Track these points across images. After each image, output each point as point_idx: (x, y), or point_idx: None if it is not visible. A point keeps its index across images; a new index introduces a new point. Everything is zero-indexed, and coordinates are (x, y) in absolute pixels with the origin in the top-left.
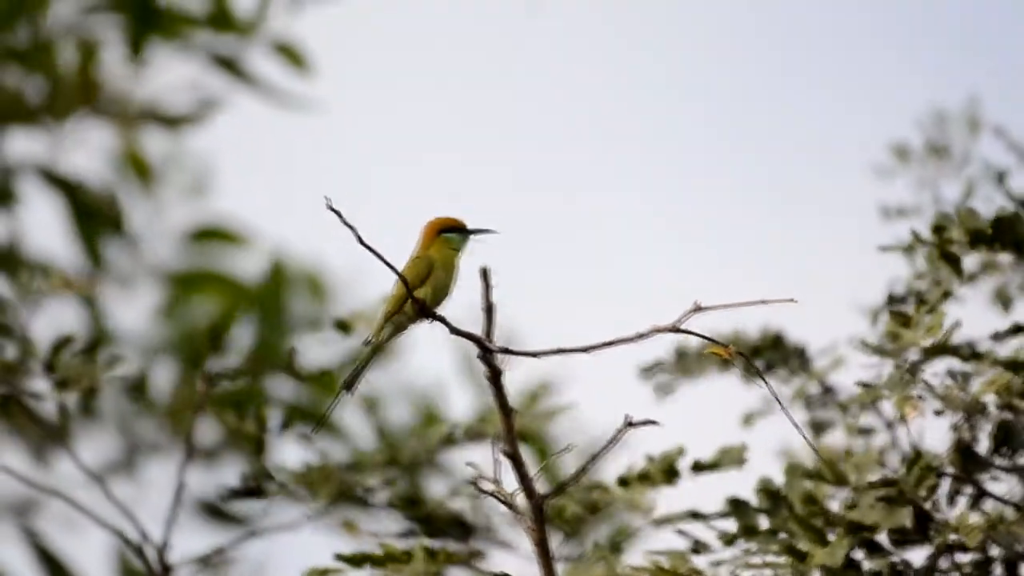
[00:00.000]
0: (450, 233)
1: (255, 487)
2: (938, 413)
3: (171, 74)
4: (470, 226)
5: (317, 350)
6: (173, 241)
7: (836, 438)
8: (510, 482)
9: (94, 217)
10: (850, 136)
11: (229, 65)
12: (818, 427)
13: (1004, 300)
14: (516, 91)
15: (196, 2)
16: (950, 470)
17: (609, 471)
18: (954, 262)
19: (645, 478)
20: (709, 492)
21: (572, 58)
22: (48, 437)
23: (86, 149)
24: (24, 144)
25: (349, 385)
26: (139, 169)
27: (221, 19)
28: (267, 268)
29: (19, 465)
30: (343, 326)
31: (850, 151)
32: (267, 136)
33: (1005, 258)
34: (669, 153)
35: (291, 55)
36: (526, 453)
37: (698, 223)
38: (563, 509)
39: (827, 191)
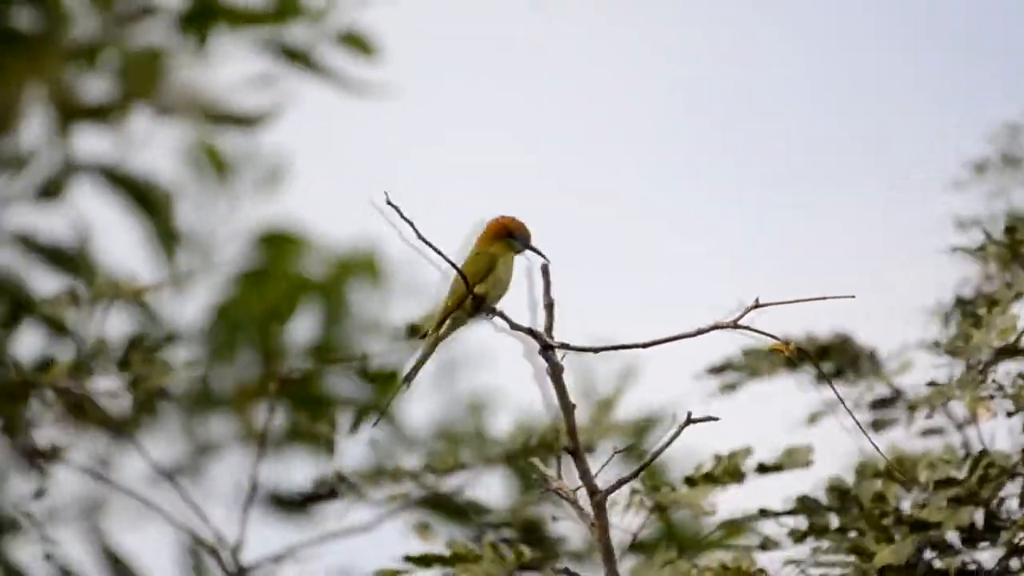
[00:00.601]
0: (513, 239)
1: (328, 489)
2: (1010, 414)
3: (238, 67)
4: (533, 239)
5: (381, 350)
6: (242, 241)
7: (905, 439)
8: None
9: (157, 217)
10: (921, 143)
11: (298, 56)
12: (883, 426)
13: None
14: (580, 89)
15: None
16: (1022, 470)
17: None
18: None
19: (711, 478)
20: (767, 491)
21: (633, 59)
22: (119, 436)
23: (154, 147)
24: (90, 142)
25: (408, 379)
26: (214, 164)
27: (288, 9)
28: (333, 269)
29: (89, 463)
30: (415, 330)
31: (921, 160)
32: (334, 129)
33: None
34: (736, 153)
35: (359, 43)
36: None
37: (765, 225)
38: (629, 506)
39: (896, 199)
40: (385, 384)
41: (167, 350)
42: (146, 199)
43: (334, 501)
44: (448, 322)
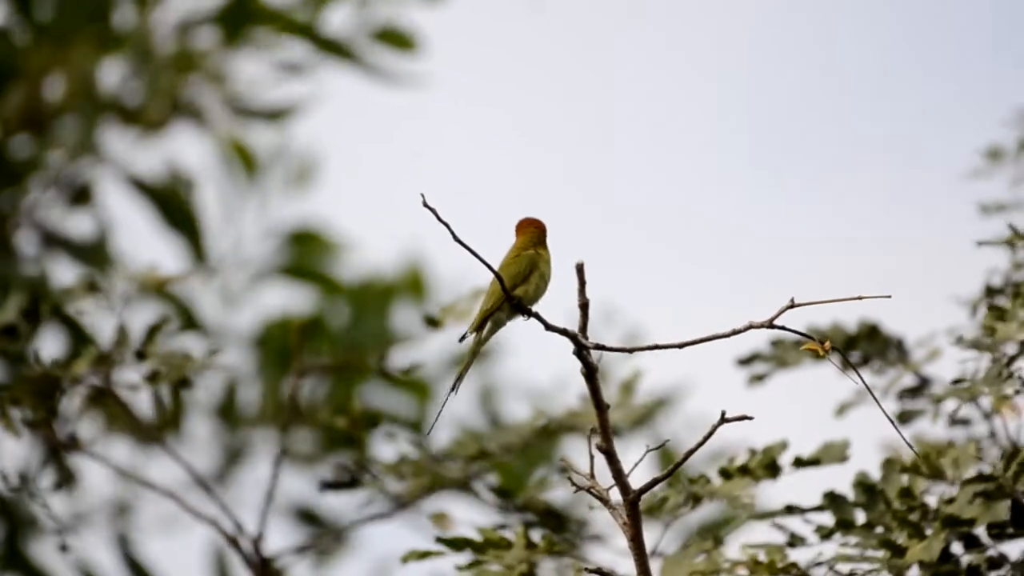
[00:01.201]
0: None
1: (349, 479)
2: None
3: (271, 60)
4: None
5: (413, 350)
6: (272, 241)
7: (933, 431)
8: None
9: (184, 225)
10: (946, 133)
11: (335, 47)
12: (906, 417)
13: None
14: (610, 88)
15: None
16: None
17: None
18: None
19: (746, 472)
20: (803, 484)
21: (663, 61)
22: (143, 432)
23: (187, 145)
24: (120, 142)
25: (455, 386)
26: (245, 161)
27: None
28: (363, 270)
29: (115, 459)
30: (432, 322)
31: (947, 148)
32: (366, 126)
33: None
34: (763, 153)
35: (399, 38)
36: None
37: (795, 222)
38: (663, 502)
39: (923, 188)
40: (408, 385)
41: (189, 340)
42: (174, 206)
43: (355, 491)
44: (488, 325)
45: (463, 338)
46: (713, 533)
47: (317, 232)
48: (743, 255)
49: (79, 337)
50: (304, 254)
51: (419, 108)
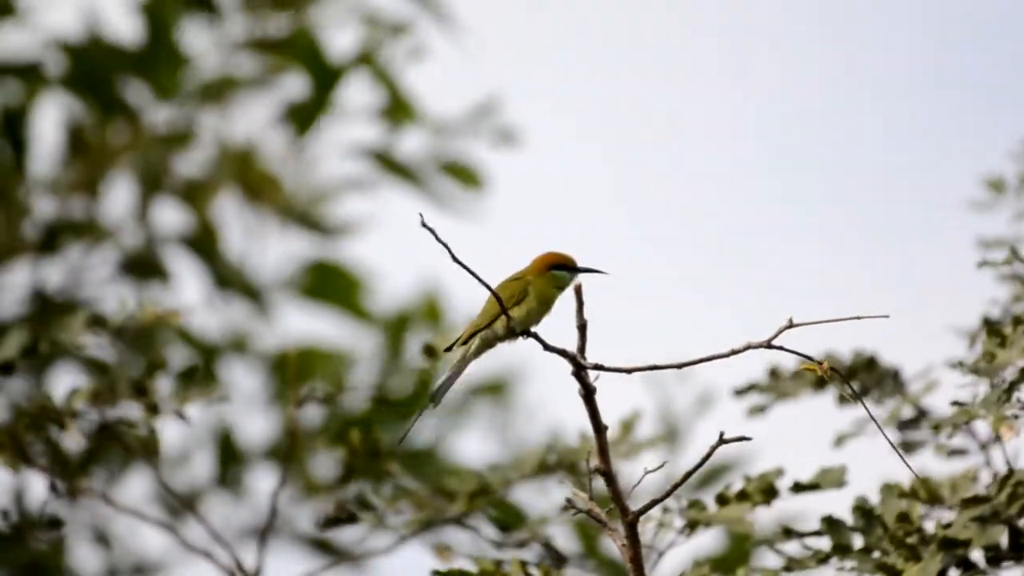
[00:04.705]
0: (559, 271)
1: (349, 513)
2: None
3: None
4: (580, 264)
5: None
6: (291, 270)
7: (929, 460)
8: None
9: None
10: (950, 168)
11: (401, 169)
12: (909, 447)
13: None
14: (616, 114)
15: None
16: None
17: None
18: None
19: (744, 497)
20: (804, 509)
21: (664, 83)
22: (140, 463)
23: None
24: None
25: (435, 398)
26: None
27: (400, 113)
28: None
29: (107, 490)
30: (431, 351)
31: (950, 183)
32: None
33: None
34: (767, 177)
35: (466, 174)
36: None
37: (797, 248)
38: (660, 527)
39: (925, 222)
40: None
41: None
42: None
43: (355, 525)
44: (477, 342)
45: (449, 349)
46: (716, 564)
47: (340, 266)
48: (750, 286)
49: (84, 372)
50: (327, 286)
51: None
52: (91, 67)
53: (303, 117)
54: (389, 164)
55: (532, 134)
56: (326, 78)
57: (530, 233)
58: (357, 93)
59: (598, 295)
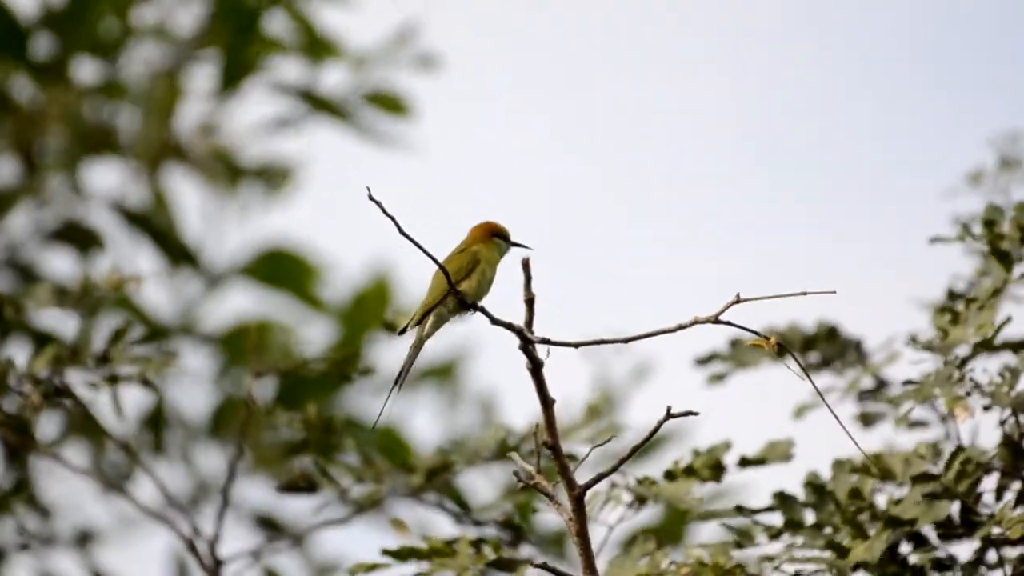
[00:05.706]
0: (499, 239)
1: (307, 483)
2: (987, 408)
3: (262, 109)
4: (513, 238)
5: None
6: (246, 253)
7: (895, 433)
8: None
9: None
10: (924, 139)
11: (328, 105)
12: (869, 419)
13: None
14: (574, 96)
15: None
16: (998, 465)
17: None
18: (1004, 258)
19: (691, 472)
20: (760, 484)
21: (618, 68)
22: (98, 432)
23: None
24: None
25: (398, 381)
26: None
27: (322, 50)
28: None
29: (71, 460)
30: (390, 327)
31: (928, 157)
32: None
33: None
34: (722, 151)
35: (393, 102)
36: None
37: (760, 220)
38: (608, 501)
39: (902, 196)
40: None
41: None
42: (156, 232)
43: (312, 495)
44: (431, 319)
45: (403, 331)
46: (658, 534)
47: (293, 252)
48: (707, 263)
49: (43, 341)
50: (277, 267)
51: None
52: (8, 25)
53: (227, 64)
54: (315, 101)
55: (454, 62)
56: (243, 19)
57: (468, 176)
58: (274, 32)
59: (545, 270)
